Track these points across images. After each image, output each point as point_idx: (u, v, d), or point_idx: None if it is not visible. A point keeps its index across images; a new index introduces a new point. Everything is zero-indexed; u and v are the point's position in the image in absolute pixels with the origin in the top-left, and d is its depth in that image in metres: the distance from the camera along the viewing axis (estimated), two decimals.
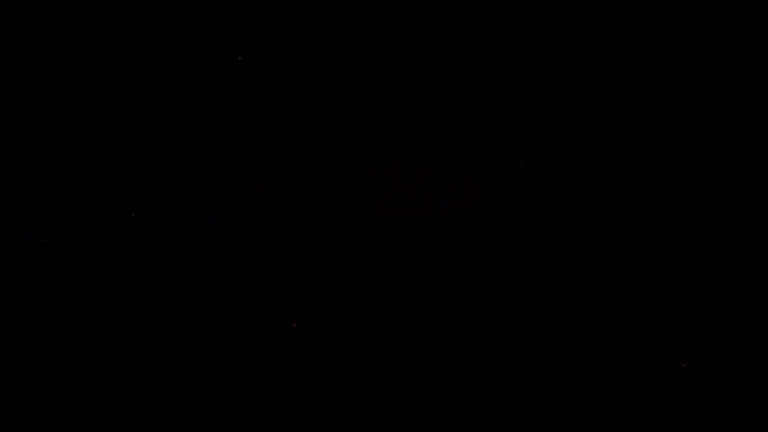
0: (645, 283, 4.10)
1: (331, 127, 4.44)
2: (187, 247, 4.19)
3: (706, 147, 4.23)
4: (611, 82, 4.14)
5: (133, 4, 3.50)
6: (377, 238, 4.26)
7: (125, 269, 4.02)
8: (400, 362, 4.15)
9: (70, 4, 3.29)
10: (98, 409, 3.67)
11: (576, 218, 4.28)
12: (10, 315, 3.20)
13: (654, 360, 4.07)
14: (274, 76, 4.40)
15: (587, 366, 4.26)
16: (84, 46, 3.50)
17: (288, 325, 4.15)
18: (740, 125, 4.09)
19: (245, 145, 4.41)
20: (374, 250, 4.30)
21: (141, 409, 3.83)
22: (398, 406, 4.10)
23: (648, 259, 4.29)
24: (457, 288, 3.88)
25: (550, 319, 3.66)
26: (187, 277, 4.15)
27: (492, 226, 4.23)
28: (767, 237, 3.66)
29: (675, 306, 3.93)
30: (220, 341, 4.10)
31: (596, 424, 3.70)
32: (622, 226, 4.29)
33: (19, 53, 3.35)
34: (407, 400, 4.11)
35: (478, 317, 3.78)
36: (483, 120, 4.40)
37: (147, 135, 4.23)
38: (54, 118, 3.56)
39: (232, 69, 4.29)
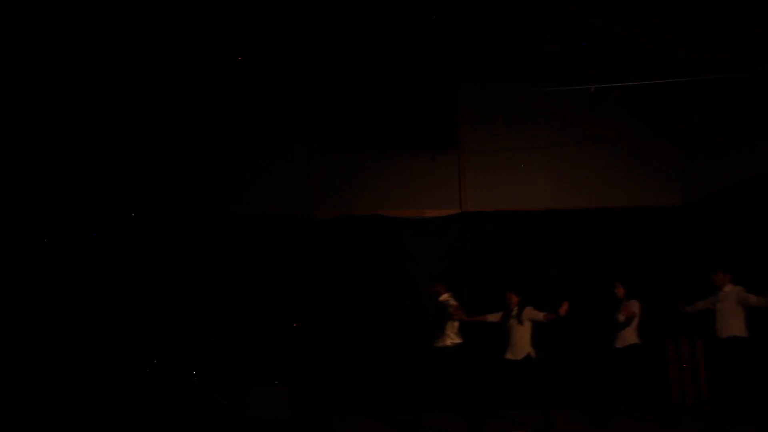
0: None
1: (332, 128, 4.45)
2: (187, 247, 4.20)
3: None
4: None
5: (132, 6, 3.49)
6: (377, 238, 4.26)
7: (125, 269, 4.02)
8: (400, 360, 4.15)
9: (66, 8, 3.28)
10: (98, 409, 3.66)
11: (576, 218, 4.29)
12: (10, 314, 3.19)
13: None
14: (274, 76, 4.40)
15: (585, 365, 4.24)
16: (84, 48, 3.49)
17: (288, 324, 4.15)
18: None
19: (245, 146, 4.40)
20: (374, 249, 4.30)
21: (141, 409, 3.82)
22: (397, 404, 4.10)
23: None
24: (457, 287, 3.86)
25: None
26: (187, 276, 4.15)
27: (497, 226, 4.24)
28: None
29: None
30: (219, 341, 4.10)
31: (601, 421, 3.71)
32: (621, 226, 4.31)
33: (20, 55, 3.34)
34: (407, 397, 4.11)
35: (477, 316, 3.78)
36: (481, 120, 4.41)
37: (147, 136, 4.23)
38: (54, 119, 3.55)
39: (233, 69, 4.29)
